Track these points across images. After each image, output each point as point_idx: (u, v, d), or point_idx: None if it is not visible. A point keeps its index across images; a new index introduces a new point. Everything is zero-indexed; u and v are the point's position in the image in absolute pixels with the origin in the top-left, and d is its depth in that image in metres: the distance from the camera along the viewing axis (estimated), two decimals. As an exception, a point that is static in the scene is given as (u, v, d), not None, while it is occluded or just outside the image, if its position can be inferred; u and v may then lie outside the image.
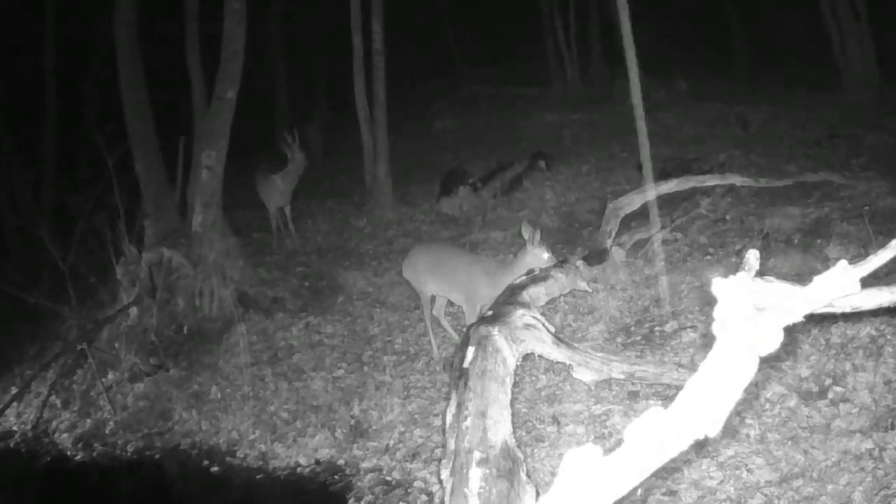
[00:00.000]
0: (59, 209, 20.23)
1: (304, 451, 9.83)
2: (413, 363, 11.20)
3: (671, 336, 9.80)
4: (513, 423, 5.94)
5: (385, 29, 17.65)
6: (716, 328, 2.96)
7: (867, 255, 3.30)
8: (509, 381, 6.41)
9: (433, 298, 11.17)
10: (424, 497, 8.45)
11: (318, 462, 9.66)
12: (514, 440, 5.72)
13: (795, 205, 12.38)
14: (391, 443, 9.45)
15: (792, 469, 6.98)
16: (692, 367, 7.50)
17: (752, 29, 31.66)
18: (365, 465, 9.27)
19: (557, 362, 8.14)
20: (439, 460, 6.23)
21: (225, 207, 14.09)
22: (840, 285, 3.08)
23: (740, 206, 13.01)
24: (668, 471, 7.13)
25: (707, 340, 8.37)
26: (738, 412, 7.73)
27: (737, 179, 13.40)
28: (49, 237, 13.83)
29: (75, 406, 12.17)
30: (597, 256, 11.65)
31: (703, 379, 2.83)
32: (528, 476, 5.50)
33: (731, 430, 7.52)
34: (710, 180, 13.40)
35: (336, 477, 9.31)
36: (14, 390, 12.68)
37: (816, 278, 3.09)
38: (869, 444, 6.94)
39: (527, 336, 7.14)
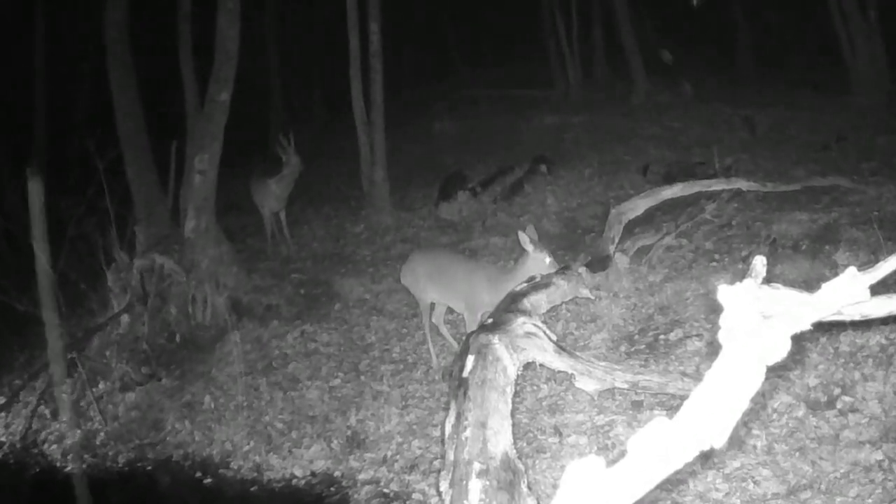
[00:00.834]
0: (48, 214, 20.22)
1: (299, 463, 9.83)
2: (411, 372, 11.20)
3: (676, 345, 9.80)
4: (513, 433, 5.93)
5: (382, 29, 17.65)
6: (722, 336, 2.96)
7: (877, 261, 3.30)
8: (510, 390, 6.40)
9: (432, 305, 11.18)
10: (423, 509, 8.46)
11: (313, 474, 9.66)
12: (514, 451, 5.71)
13: (803, 210, 12.39)
14: (389, 454, 9.44)
15: (800, 481, 6.98)
16: (697, 377, 7.49)
17: (758, 29, 31.66)
18: (362, 476, 9.27)
19: (559, 371, 8.13)
20: (438, 472, 6.23)
21: (218, 212, 14.11)
22: (849, 292, 3.08)
23: (747, 212, 13.02)
24: (673, 483, 7.13)
25: (713, 349, 8.37)
26: (745, 422, 7.73)
27: (743, 184, 13.39)
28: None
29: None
30: (600, 263, 11.64)
31: (708, 389, 2.83)
32: (529, 488, 5.49)
33: (737, 441, 7.52)
34: (716, 185, 13.38)
35: (332, 489, 9.31)
36: (2, 400, 12.67)
37: (825, 285, 3.09)
38: (879, 456, 6.95)
39: (528, 344, 7.14)
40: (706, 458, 6.51)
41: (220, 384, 11.88)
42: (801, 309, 3.04)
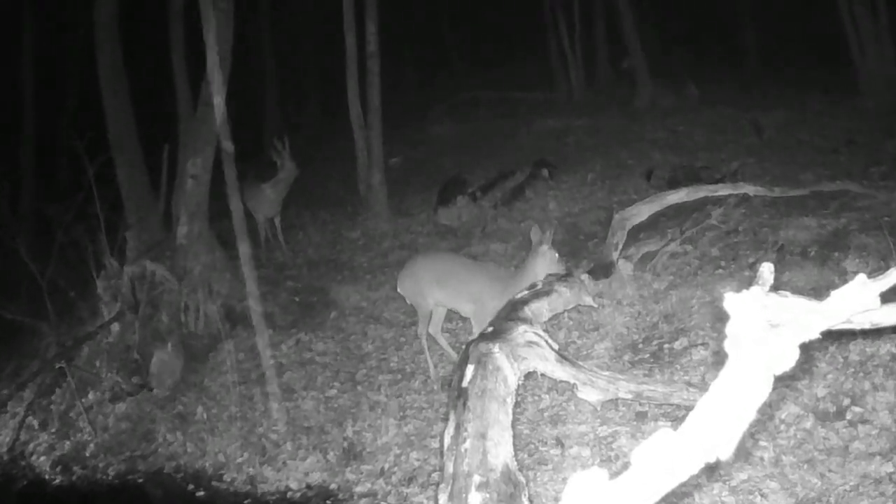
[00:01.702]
0: (37, 220, 20.22)
1: (294, 475, 9.83)
2: (409, 382, 11.20)
3: (681, 354, 9.80)
4: (514, 445, 5.93)
5: (380, 30, 17.66)
6: (728, 345, 2.96)
7: (887, 268, 3.30)
8: (510, 400, 6.40)
9: (431, 313, 11.17)
10: (421, 523, 8.46)
11: (309, 486, 9.66)
12: (515, 463, 5.71)
13: (812, 215, 12.39)
14: (386, 466, 9.44)
15: (808, 494, 6.98)
16: (703, 387, 7.49)
17: (765, 30, 31.68)
18: (359, 489, 9.27)
19: (561, 381, 8.13)
20: (437, 484, 6.21)
21: (211, 218, 14.11)
22: (859, 300, 3.08)
23: (753, 217, 13.02)
24: (678, 495, 7.13)
25: (719, 358, 8.36)
26: (752, 434, 7.74)
27: (750, 189, 13.40)
28: (26, 249, 13.81)
29: (53, 427, 12.14)
30: (603, 270, 11.66)
31: (714, 399, 2.83)
32: (531, 501, 5.50)
33: (744, 453, 7.52)
34: (722, 190, 13.39)
35: (328, 502, 9.31)
36: (-11, 410, 12.68)
37: (834, 293, 3.09)
38: (889, 468, 6.95)
39: (529, 353, 7.14)
40: (712, 470, 6.51)
41: (212, 394, 11.89)
42: (810, 317, 3.04)
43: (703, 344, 9.81)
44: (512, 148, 21.73)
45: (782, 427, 7.92)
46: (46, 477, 11.27)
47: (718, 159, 17.18)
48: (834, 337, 8.25)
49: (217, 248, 14.05)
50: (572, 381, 7.52)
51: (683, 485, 2.82)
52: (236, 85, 14.56)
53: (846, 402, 7.96)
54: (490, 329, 7.66)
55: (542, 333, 7.58)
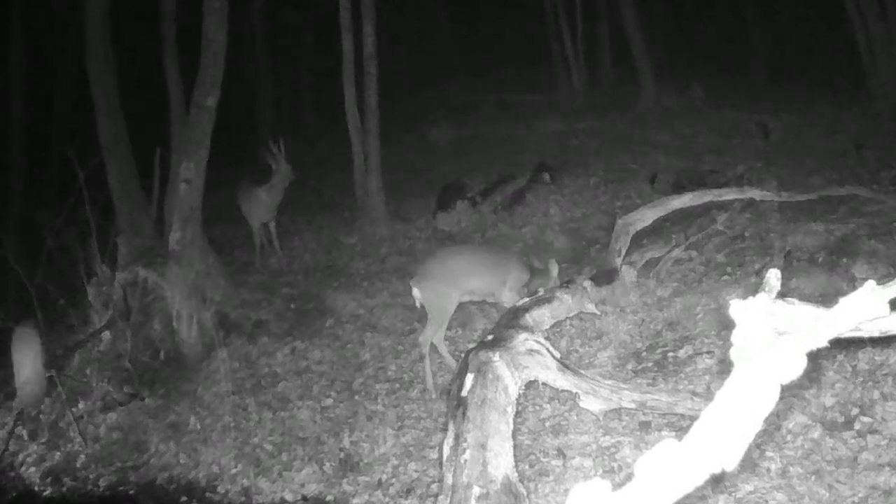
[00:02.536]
0: (26, 225, 20.21)
1: (289, 486, 9.81)
2: (407, 391, 11.20)
3: (685, 362, 9.80)
4: (515, 456, 5.94)
5: (377, 31, 17.66)
6: (734, 354, 2.96)
7: (896, 274, 3.31)
8: (511, 410, 6.42)
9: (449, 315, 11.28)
10: (420, 536, 8.46)
11: (304, 498, 9.63)
12: (516, 474, 5.72)
13: (819, 221, 12.40)
14: (384, 477, 9.43)
15: (816, 506, 6.98)
16: (708, 396, 7.51)
17: (772, 31, 31.71)
18: (355, 501, 9.25)
19: (563, 390, 8.15)
20: (436, 496, 6.24)
21: (205, 223, 14.08)
22: (868, 307, 3.08)
23: (760, 222, 13.02)
24: (683, 508, 7.12)
25: (724, 367, 8.36)
26: (758, 444, 7.73)
27: (756, 193, 13.40)
28: (15, 255, 13.79)
29: (43, 437, 12.10)
30: (605, 276, 11.67)
31: (719, 408, 2.83)
32: (532, 513, 5.50)
33: (750, 464, 7.52)
34: (728, 194, 13.39)
35: (324, 514, 9.31)
36: (-24, 421, 12.67)
37: (842, 300, 3.09)
38: (899, 479, 6.95)
39: (530, 362, 7.15)
40: (717, 481, 6.51)
41: (206, 404, 11.87)
42: (818, 325, 3.04)
43: (708, 352, 9.81)
44: (513, 151, 21.75)
45: (789, 437, 7.92)
46: (36, 488, 11.23)
47: (724, 163, 17.20)
48: (842, 345, 8.25)
49: (210, 254, 14.03)
50: (574, 390, 7.54)
51: (688, 497, 2.82)
52: (230, 87, 14.54)
53: (855, 411, 7.96)
54: (490, 337, 7.67)
55: (543, 341, 7.60)
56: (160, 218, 14.76)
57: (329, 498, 9.48)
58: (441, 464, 6.18)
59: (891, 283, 3.16)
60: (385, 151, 18.17)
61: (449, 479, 5.81)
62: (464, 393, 6.50)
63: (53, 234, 13.88)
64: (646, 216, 12.60)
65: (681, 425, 8.28)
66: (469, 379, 6.65)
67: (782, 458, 7.63)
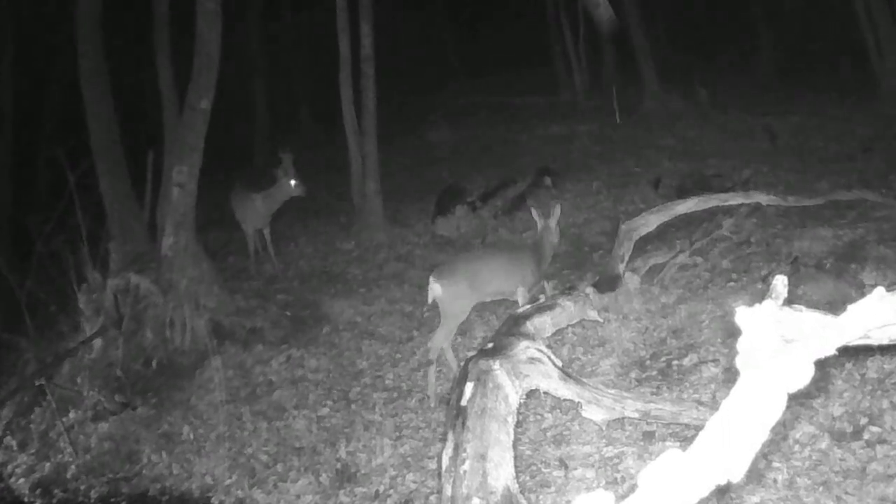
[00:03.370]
0: (15, 231, 20.21)
1: (285, 498, 9.79)
2: (405, 400, 11.18)
3: (690, 371, 9.80)
4: (516, 466, 5.94)
5: (375, 32, 17.66)
6: (739, 362, 2.96)
7: (906, 281, 3.32)
8: (511, 420, 6.41)
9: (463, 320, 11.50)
10: (418, 548, 8.45)
11: (300, 510, 9.65)
12: (516, 486, 5.71)
13: (827, 226, 12.41)
14: (381, 488, 9.41)
15: (824, 517, 6.98)
16: (713, 405, 7.50)
17: (779, 32, 31.71)
18: (352, 512, 9.26)
19: (565, 399, 8.14)
20: (435, 508, 6.23)
21: (198, 228, 14.09)
22: (877, 314, 3.08)
23: (766, 228, 13.04)
24: (688, 520, 7.11)
25: (730, 376, 8.37)
26: (765, 454, 7.73)
27: (763, 198, 13.41)
28: (4, 261, 13.79)
29: (33, 448, 12.09)
30: (608, 283, 11.66)
31: (725, 418, 2.83)
32: (533, 525, 5.50)
33: (756, 475, 7.51)
34: (734, 199, 13.41)
35: (320, 526, 9.31)
36: (-36, 431, 12.65)
37: (850, 307, 3.09)
38: (909, 491, 6.94)
39: (531, 371, 7.15)
40: (723, 493, 6.51)
41: (199, 413, 11.85)
42: (826, 332, 3.04)
43: (713, 360, 9.81)
44: (513, 155, 21.79)
45: (796, 448, 7.91)
46: (26, 500, 11.20)
47: (730, 167, 17.22)
48: (851, 353, 8.21)
49: (204, 261, 14.01)
50: (576, 399, 7.53)
51: (693, 508, 2.83)
52: (224, 89, 14.54)
53: (863, 421, 7.96)
54: (490, 345, 7.66)
55: (544, 349, 7.60)
56: (152, 223, 14.74)
57: (325, 509, 9.49)
58: (440, 475, 6.17)
59: (900, 289, 3.16)
60: (383, 154, 18.17)
61: (448, 491, 5.81)
62: (463, 402, 6.49)
63: (43, 239, 13.88)
64: (649, 221, 12.61)
65: (685, 435, 8.27)
66: (469, 388, 6.65)
67: (789, 468, 7.62)
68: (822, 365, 2.98)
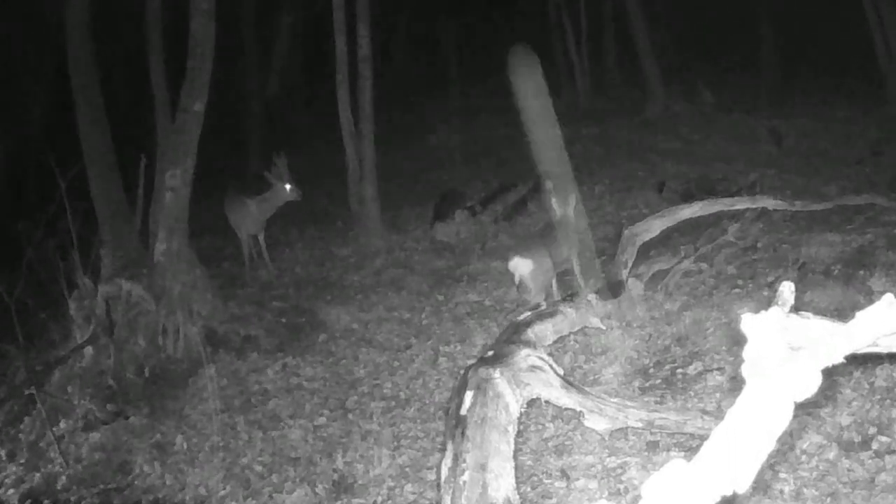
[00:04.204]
0: (4, 235, 20.19)
1: (280, 509, 9.82)
2: (404, 410, 11.17)
3: (695, 379, 9.80)
4: (516, 477, 5.94)
5: (373, 32, 17.65)
6: (745, 370, 2.96)
7: (916, 287, 3.31)
8: (512, 429, 6.42)
9: None
10: (417, 561, 8.46)
11: (296, 522, 9.64)
12: (517, 497, 5.72)
13: (835, 231, 12.43)
14: (379, 500, 9.41)
15: (832, 529, 6.98)
16: (719, 415, 7.50)
17: (785, 33, 31.69)
18: (350, 524, 9.26)
19: (567, 409, 8.16)
20: (434, 520, 6.24)
21: (191, 234, 14.08)
22: (886, 322, 3.08)
23: (773, 233, 13.05)
24: (692, 531, 7.11)
25: (735, 384, 8.36)
26: (771, 465, 7.73)
27: (769, 202, 13.42)
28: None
29: (22, 458, 12.06)
30: (611, 289, 11.67)
31: (731, 428, 2.83)
32: (535, 537, 5.51)
33: (762, 486, 7.51)
34: (739, 203, 13.42)
35: (317, 538, 9.31)
36: (-48, 441, 12.64)
37: (859, 314, 3.08)
38: (918, 502, 6.94)
39: (532, 379, 7.16)
40: (728, 504, 6.50)
41: (193, 423, 11.84)
42: (833, 340, 3.04)
43: (718, 369, 9.81)
44: (514, 159, 21.74)
45: (804, 458, 7.92)
46: (14, 511, 11.25)
47: (735, 171, 17.23)
48: (859, 361, 8.26)
49: (197, 267, 13.99)
50: (578, 408, 7.54)
51: (698, 519, 2.83)
52: (218, 91, 14.54)
53: (872, 431, 7.96)
54: (490, 353, 7.67)
55: (546, 357, 7.61)
56: (145, 228, 14.69)
57: (322, 521, 9.49)
58: (439, 485, 6.18)
59: (910, 295, 3.17)
60: (380, 158, 18.16)
61: (447, 502, 5.81)
62: (463, 411, 6.50)
63: (33, 245, 13.86)
64: (653, 226, 12.63)
65: (690, 445, 8.27)
66: (468, 396, 6.65)
67: (796, 479, 7.63)
68: (829, 373, 2.98)
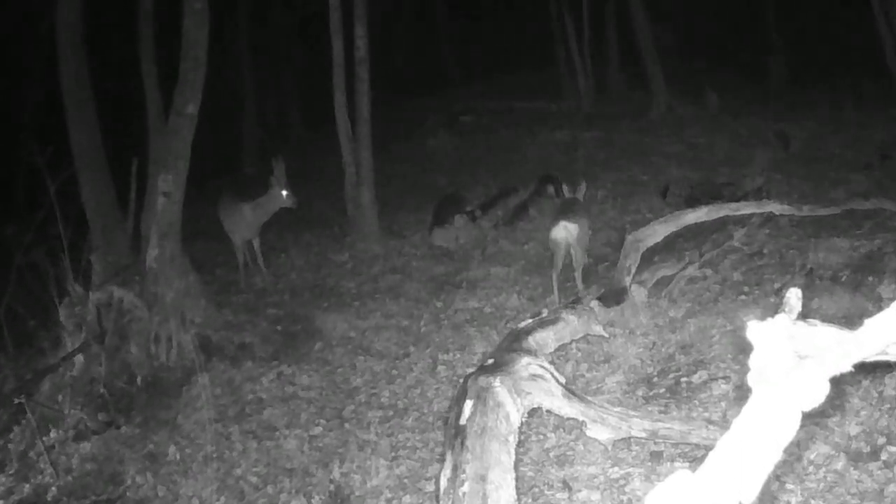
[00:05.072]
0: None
1: (276, 522, 9.81)
2: (402, 419, 11.17)
3: (700, 388, 9.80)
4: (517, 488, 5.94)
5: (370, 33, 17.65)
6: (751, 379, 2.95)
7: (925, 294, 3.32)
8: (513, 439, 6.41)
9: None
10: (415, 575, 8.45)
11: (292, 534, 9.64)
12: (518, 509, 5.71)
13: (843, 236, 12.42)
14: (377, 511, 9.43)
15: (840, 542, 6.97)
16: (724, 424, 7.50)
17: (792, 34, 31.72)
18: (346, 536, 9.25)
19: (569, 418, 8.14)
20: (432, 532, 6.23)
21: (184, 239, 14.07)
22: (895, 329, 3.08)
23: (780, 238, 13.05)
24: (697, 544, 7.10)
25: (741, 393, 8.36)
26: (778, 476, 7.72)
27: (776, 207, 13.42)
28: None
29: (11, 469, 12.04)
30: (614, 296, 11.66)
31: (736, 438, 2.83)
32: (536, 550, 5.50)
33: (769, 497, 7.51)
34: (745, 208, 13.42)
35: (312, 551, 9.30)
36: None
37: (868, 321, 3.07)
38: (928, 514, 6.94)
39: (533, 388, 7.15)
40: (734, 516, 6.49)
41: (186, 433, 11.83)
42: (842, 348, 3.03)
43: (724, 377, 9.81)
44: (515, 162, 21.81)
45: (811, 469, 7.91)
46: (3, 523, 11.24)
47: (741, 175, 17.24)
48: (868, 370, 8.26)
49: (190, 273, 13.99)
50: (581, 418, 7.53)
51: (703, 532, 2.83)
52: (212, 94, 14.54)
53: (881, 441, 7.96)
54: (490, 361, 7.66)
55: (547, 366, 7.60)
56: (137, 234, 14.70)
57: (318, 533, 9.49)
58: (438, 497, 6.17)
59: (920, 303, 3.16)
60: (378, 162, 18.18)
61: (446, 514, 5.81)
62: (462, 421, 6.49)
63: (23, 250, 13.85)
64: (657, 232, 12.63)
65: (695, 455, 8.27)
66: (468, 406, 6.64)
67: (803, 490, 7.62)
68: (837, 382, 2.98)
